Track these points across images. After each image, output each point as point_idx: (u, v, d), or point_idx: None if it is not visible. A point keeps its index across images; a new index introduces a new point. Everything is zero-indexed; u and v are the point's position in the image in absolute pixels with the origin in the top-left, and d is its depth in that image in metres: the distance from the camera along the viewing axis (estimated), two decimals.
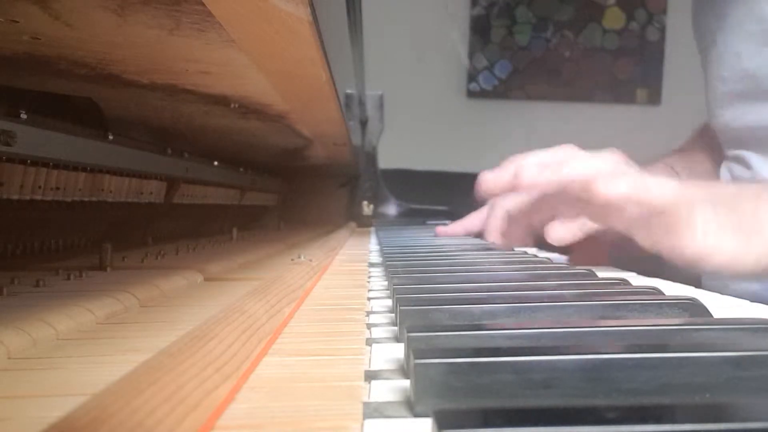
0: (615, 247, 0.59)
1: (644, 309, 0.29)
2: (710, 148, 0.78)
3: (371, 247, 0.77)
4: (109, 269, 0.49)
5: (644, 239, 0.47)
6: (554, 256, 0.65)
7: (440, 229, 0.85)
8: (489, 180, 0.54)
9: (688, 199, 0.46)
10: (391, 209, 1.54)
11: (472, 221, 0.82)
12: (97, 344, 0.27)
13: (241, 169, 1.01)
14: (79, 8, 0.31)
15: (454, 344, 0.22)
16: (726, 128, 0.72)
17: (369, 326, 0.30)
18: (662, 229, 0.46)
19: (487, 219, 0.75)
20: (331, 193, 1.49)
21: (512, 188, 0.52)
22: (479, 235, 0.80)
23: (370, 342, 0.27)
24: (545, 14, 2.43)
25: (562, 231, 0.57)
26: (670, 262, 0.47)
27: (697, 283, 0.47)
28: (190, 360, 0.19)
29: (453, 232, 0.83)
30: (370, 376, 0.21)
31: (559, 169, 0.49)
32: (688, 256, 0.45)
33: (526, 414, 0.14)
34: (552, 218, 0.59)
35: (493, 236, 0.73)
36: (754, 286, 0.60)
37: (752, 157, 0.68)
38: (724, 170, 0.72)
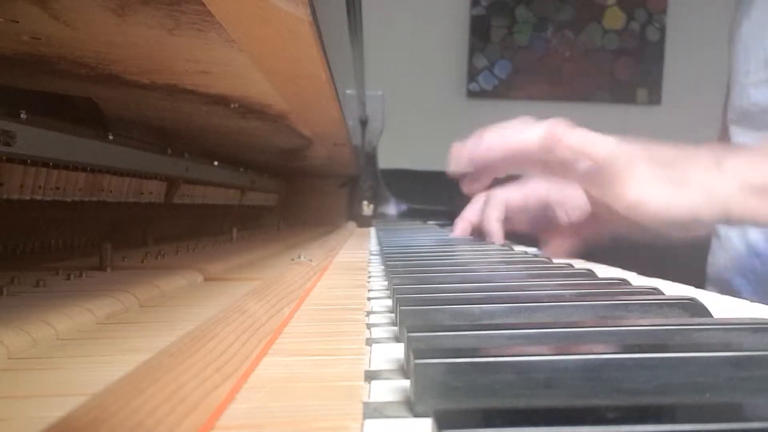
0: (587, 237, 0.65)
1: (644, 309, 0.29)
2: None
3: (371, 247, 0.77)
4: (109, 269, 0.49)
5: (592, 190, 0.54)
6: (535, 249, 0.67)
7: (456, 232, 0.86)
8: (454, 154, 0.61)
9: (628, 153, 0.52)
10: (391, 209, 1.54)
11: (471, 213, 0.83)
12: (97, 344, 0.27)
13: (241, 169, 1.01)
14: (79, 8, 0.31)
15: (454, 344, 0.22)
16: (744, 113, 0.75)
17: (369, 326, 0.30)
18: (606, 179, 0.52)
19: (485, 209, 0.76)
20: (331, 193, 1.49)
21: (477, 156, 0.59)
22: (478, 226, 0.80)
23: (370, 342, 0.27)
24: (545, 14, 2.43)
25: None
26: (614, 210, 0.53)
27: (698, 283, 0.48)
28: (190, 360, 0.19)
29: (462, 230, 0.84)
30: (370, 376, 0.21)
31: (518, 132, 0.56)
32: (626, 204, 0.51)
33: (526, 414, 0.14)
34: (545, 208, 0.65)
35: (493, 225, 0.74)
36: (758, 244, 0.64)
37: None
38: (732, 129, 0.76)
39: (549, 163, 0.54)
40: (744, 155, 0.53)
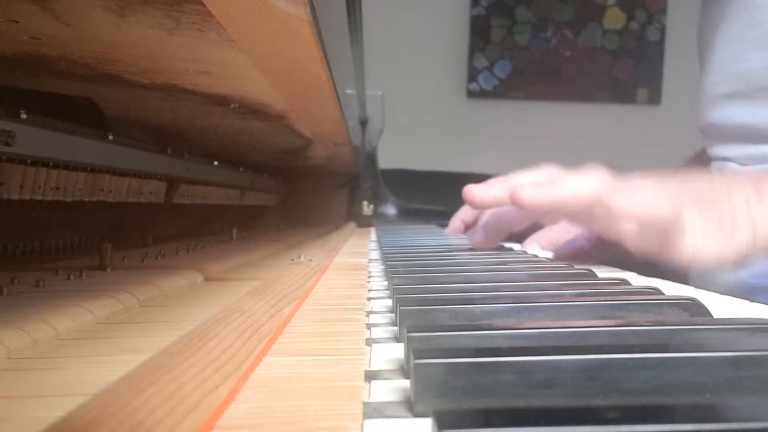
0: (601, 249, 0.61)
1: (644, 309, 0.29)
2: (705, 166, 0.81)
3: (371, 247, 0.77)
4: (109, 269, 0.49)
5: (640, 246, 0.49)
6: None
7: (450, 229, 0.86)
8: (479, 192, 0.55)
9: (677, 204, 0.48)
10: (391, 209, 1.54)
11: (464, 212, 0.83)
12: (97, 344, 0.27)
13: (241, 169, 1.01)
14: (79, 8, 0.31)
15: (454, 344, 0.22)
16: (715, 127, 0.74)
17: (369, 326, 0.30)
18: (659, 236, 0.48)
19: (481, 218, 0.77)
20: (331, 193, 1.49)
21: (508, 204, 0.53)
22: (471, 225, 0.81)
23: (370, 342, 0.27)
24: (545, 14, 2.43)
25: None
26: (661, 263, 0.50)
27: (688, 280, 0.48)
28: (190, 360, 0.19)
29: (456, 227, 0.85)
30: (370, 376, 0.21)
31: (558, 186, 0.50)
32: (683, 258, 0.48)
33: (526, 414, 0.14)
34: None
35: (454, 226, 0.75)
36: (740, 275, 0.63)
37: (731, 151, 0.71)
38: (716, 164, 0.74)
39: (592, 221, 0.51)
40: None
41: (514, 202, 0.51)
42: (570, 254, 0.61)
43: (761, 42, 0.67)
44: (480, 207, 0.57)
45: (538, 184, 0.51)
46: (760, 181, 0.50)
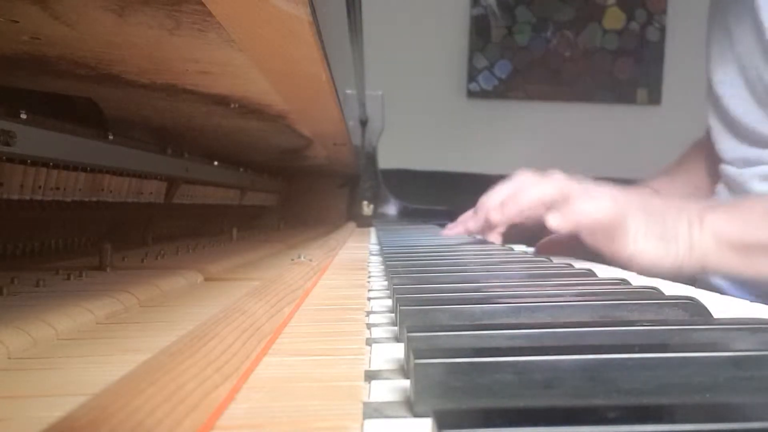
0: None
1: (644, 309, 0.29)
2: (706, 160, 0.81)
3: (371, 247, 0.77)
4: (109, 269, 0.49)
5: (592, 243, 0.59)
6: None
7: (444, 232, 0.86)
8: (470, 228, 0.69)
9: (624, 209, 0.57)
10: (391, 209, 1.54)
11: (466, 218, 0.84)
12: (97, 344, 0.27)
13: (241, 169, 1.01)
14: (79, 8, 0.31)
15: (454, 344, 0.22)
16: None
17: (369, 326, 0.30)
18: (604, 236, 0.57)
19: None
20: (331, 193, 1.49)
21: (485, 229, 0.66)
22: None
23: (370, 342, 0.27)
24: (545, 14, 2.43)
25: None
26: (606, 259, 0.58)
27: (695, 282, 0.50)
28: (190, 360, 0.19)
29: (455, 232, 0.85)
30: (370, 376, 0.21)
31: (515, 202, 0.61)
32: (622, 258, 0.56)
33: (526, 414, 0.14)
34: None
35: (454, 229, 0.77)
36: (719, 281, 0.70)
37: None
38: (720, 187, 0.76)
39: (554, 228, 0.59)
40: (723, 212, 0.58)
41: (489, 228, 0.65)
42: (550, 246, 0.69)
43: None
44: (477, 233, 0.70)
45: (503, 202, 0.62)
46: (705, 211, 0.58)
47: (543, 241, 0.71)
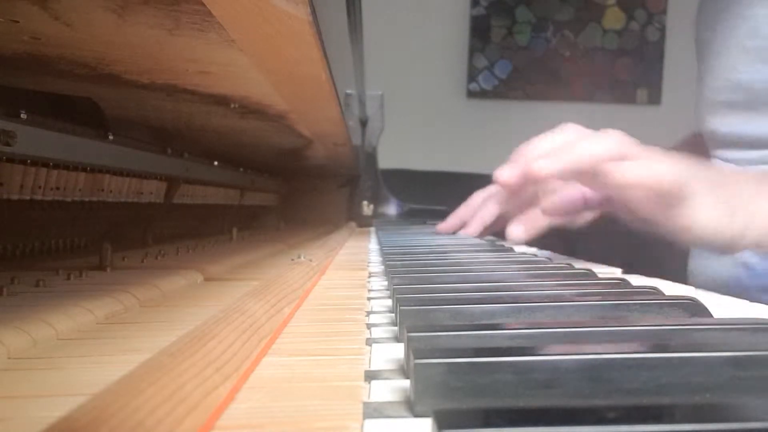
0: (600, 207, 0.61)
1: (644, 309, 0.29)
2: (698, 150, 0.81)
3: (371, 246, 0.77)
4: (109, 269, 0.49)
5: (643, 210, 0.51)
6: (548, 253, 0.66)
7: (440, 226, 0.86)
8: (503, 177, 0.55)
9: (689, 177, 0.50)
10: (391, 209, 1.54)
11: (461, 213, 0.83)
12: (97, 344, 0.27)
13: (241, 169, 1.01)
14: (79, 8, 0.31)
15: (454, 344, 0.22)
16: (714, 134, 0.75)
17: (369, 326, 0.30)
18: (666, 204, 0.50)
19: (478, 211, 0.77)
20: (331, 193, 1.49)
21: (527, 182, 0.54)
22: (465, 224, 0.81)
23: (370, 342, 0.27)
24: (545, 14, 2.43)
25: (521, 233, 0.61)
26: (657, 230, 0.52)
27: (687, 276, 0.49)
28: (190, 360, 0.19)
29: (446, 227, 0.84)
30: (370, 376, 0.21)
31: (569, 152, 0.51)
32: (680, 227, 0.50)
33: (526, 414, 0.14)
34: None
35: (474, 228, 0.74)
36: (738, 272, 0.65)
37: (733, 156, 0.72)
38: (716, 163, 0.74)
39: (601, 185, 0.52)
40: None
41: (530, 179, 0.52)
42: (565, 206, 0.60)
43: (765, 55, 0.67)
44: (511, 187, 0.58)
45: (553, 152, 0.52)
46: (763, 181, 0.53)
47: (561, 196, 0.60)
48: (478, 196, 0.82)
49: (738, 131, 0.71)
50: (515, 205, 0.65)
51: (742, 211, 0.51)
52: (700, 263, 0.77)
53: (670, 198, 0.49)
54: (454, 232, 0.84)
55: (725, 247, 0.52)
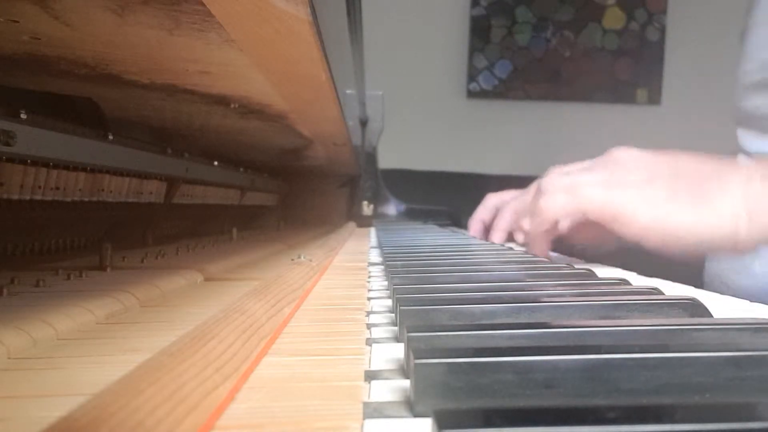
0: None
1: (644, 309, 0.29)
2: None
3: (371, 247, 0.77)
4: (109, 269, 0.49)
5: (584, 238, 0.56)
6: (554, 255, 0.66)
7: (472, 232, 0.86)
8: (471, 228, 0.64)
9: (612, 188, 0.50)
10: (391, 209, 1.54)
11: (483, 213, 0.83)
12: (97, 344, 0.27)
13: (241, 169, 1.01)
14: (79, 8, 0.31)
15: (454, 344, 0.22)
16: (745, 116, 0.75)
17: (369, 326, 0.30)
18: (607, 218, 0.50)
19: (497, 219, 0.77)
20: (331, 193, 1.49)
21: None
22: (487, 231, 0.81)
23: (370, 342, 0.27)
24: (545, 14, 2.43)
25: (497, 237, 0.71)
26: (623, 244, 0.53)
27: (697, 283, 0.48)
28: (190, 360, 0.19)
29: (476, 231, 0.84)
30: (370, 376, 0.21)
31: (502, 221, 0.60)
32: (637, 232, 0.49)
33: (526, 414, 0.14)
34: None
35: (498, 236, 0.75)
36: (757, 276, 0.65)
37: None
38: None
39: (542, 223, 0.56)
40: None
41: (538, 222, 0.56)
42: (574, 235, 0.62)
43: None
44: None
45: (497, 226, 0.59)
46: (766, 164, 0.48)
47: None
48: (492, 198, 0.83)
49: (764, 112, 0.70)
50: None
51: (728, 201, 0.46)
52: (716, 275, 0.77)
53: (603, 213, 0.50)
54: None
55: (717, 246, 0.47)
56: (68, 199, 0.51)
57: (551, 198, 0.54)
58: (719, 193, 0.47)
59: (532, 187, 0.63)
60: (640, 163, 0.51)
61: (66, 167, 0.50)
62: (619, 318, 0.28)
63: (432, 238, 0.83)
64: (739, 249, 0.48)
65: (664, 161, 0.51)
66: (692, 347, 0.19)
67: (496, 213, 0.80)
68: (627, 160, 0.52)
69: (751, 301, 0.37)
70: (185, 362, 0.18)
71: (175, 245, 0.70)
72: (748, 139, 0.75)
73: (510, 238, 0.76)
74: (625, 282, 0.38)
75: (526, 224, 0.57)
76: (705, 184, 0.48)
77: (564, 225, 0.57)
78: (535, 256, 0.59)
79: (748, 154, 0.75)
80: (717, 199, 0.47)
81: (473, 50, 2.43)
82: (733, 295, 0.39)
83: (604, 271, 0.50)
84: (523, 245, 0.69)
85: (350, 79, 1.12)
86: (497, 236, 0.76)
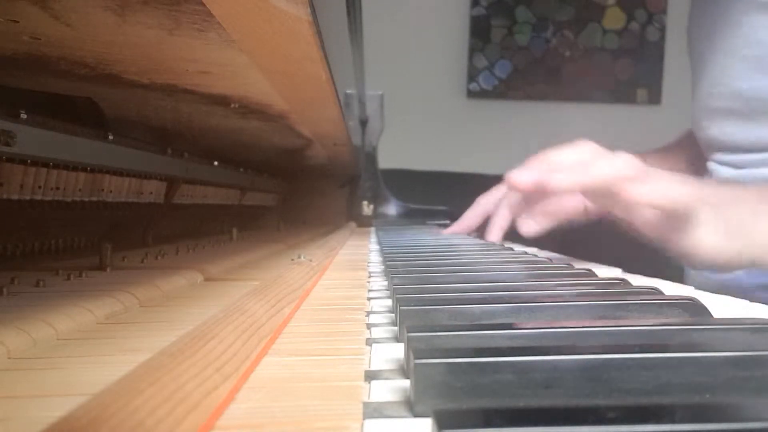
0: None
1: (644, 309, 0.29)
2: (693, 149, 0.81)
3: (371, 246, 0.77)
4: (109, 269, 0.49)
5: (650, 231, 0.54)
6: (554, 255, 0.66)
7: (448, 229, 0.86)
8: (518, 180, 0.56)
9: (697, 201, 0.52)
10: (391, 209, 1.54)
11: (470, 218, 0.83)
12: (97, 344, 0.27)
13: (241, 169, 1.01)
14: (79, 8, 0.31)
15: (454, 344, 0.22)
16: (711, 139, 0.75)
17: (369, 326, 0.30)
18: (669, 226, 0.52)
19: (492, 217, 0.77)
20: (331, 193, 1.49)
21: (541, 190, 0.55)
22: (479, 231, 0.81)
23: (370, 342, 0.27)
24: (545, 14, 2.43)
25: (533, 225, 0.64)
26: (662, 251, 0.55)
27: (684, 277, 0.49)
28: (190, 360, 0.19)
29: (454, 231, 0.85)
30: (370, 376, 0.21)
31: (585, 170, 0.52)
32: (684, 248, 0.53)
33: (526, 414, 0.14)
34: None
35: (495, 234, 0.74)
36: (738, 273, 0.66)
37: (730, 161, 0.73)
38: (712, 166, 0.75)
39: (611, 204, 0.54)
40: None
41: (546, 191, 0.53)
42: (567, 214, 0.63)
43: (764, 64, 0.67)
44: (523, 192, 0.60)
45: (569, 168, 0.53)
46: (762, 198, 0.54)
47: (560, 207, 0.64)
48: (483, 200, 0.82)
49: (737, 138, 0.71)
50: (524, 210, 0.66)
51: (739, 232, 0.52)
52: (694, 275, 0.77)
53: (678, 222, 0.51)
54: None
55: (722, 268, 0.54)
56: (68, 199, 0.51)
57: (611, 161, 0.52)
58: (737, 228, 0.52)
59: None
60: (693, 182, 0.54)
61: (66, 167, 0.50)
62: (618, 318, 0.28)
63: (432, 238, 0.83)
64: (725, 270, 0.55)
65: (706, 186, 0.55)
66: (692, 347, 0.19)
67: (485, 217, 0.80)
68: (679, 177, 0.54)
69: (725, 293, 0.39)
70: (185, 362, 0.18)
71: (175, 245, 0.70)
72: (710, 154, 0.76)
73: (506, 237, 0.76)
74: (625, 282, 0.38)
75: (558, 177, 0.52)
76: (730, 217, 0.53)
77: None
78: (535, 256, 0.59)
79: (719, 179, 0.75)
80: (736, 234, 0.52)
81: (473, 50, 2.43)
82: (721, 287, 0.43)
83: (604, 271, 0.50)
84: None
85: (350, 79, 1.12)
86: (495, 234, 0.76)
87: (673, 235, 0.52)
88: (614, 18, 2.44)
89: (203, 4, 0.30)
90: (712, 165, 0.76)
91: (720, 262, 0.53)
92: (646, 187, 0.51)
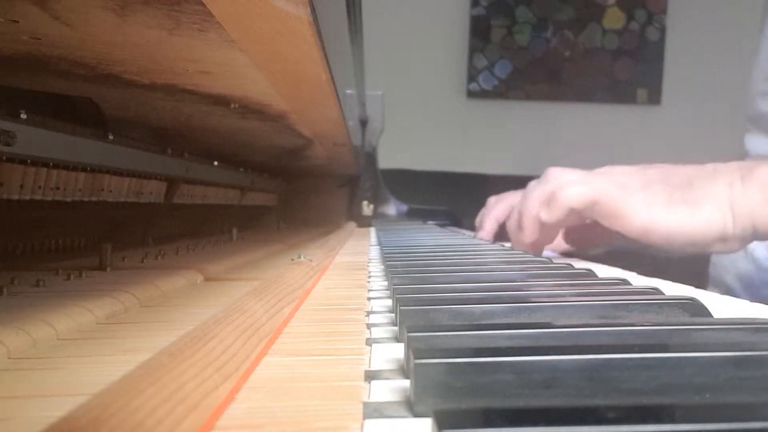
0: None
1: (644, 309, 0.29)
2: None
3: (371, 247, 0.77)
4: (109, 269, 0.49)
5: (605, 224, 0.57)
6: (553, 255, 0.66)
7: (482, 233, 0.85)
8: (482, 232, 0.70)
9: (623, 188, 0.55)
10: (391, 209, 1.54)
11: (496, 214, 0.83)
12: (97, 344, 0.27)
13: (241, 169, 1.01)
14: (79, 8, 0.31)
15: (454, 344, 0.22)
16: (755, 119, 0.78)
17: (369, 326, 0.30)
18: (607, 215, 0.56)
19: (487, 211, 0.78)
20: (331, 193, 1.49)
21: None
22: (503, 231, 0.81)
23: (370, 342, 0.27)
24: (545, 14, 2.43)
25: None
26: (628, 239, 0.57)
27: (698, 283, 0.49)
28: (190, 360, 0.19)
29: (488, 232, 0.84)
30: (370, 376, 0.21)
31: (525, 217, 0.61)
32: (635, 231, 0.55)
33: (526, 414, 0.14)
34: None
35: (489, 226, 0.77)
36: (760, 253, 0.69)
37: None
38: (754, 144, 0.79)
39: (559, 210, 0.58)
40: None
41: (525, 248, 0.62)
42: (575, 237, 0.67)
43: None
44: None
45: (517, 222, 0.62)
46: (752, 168, 0.53)
47: (567, 234, 0.69)
48: (498, 207, 0.82)
49: None
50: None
51: (713, 202, 0.52)
52: (720, 258, 0.79)
53: (607, 208, 0.55)
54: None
55: (706, 244, 0.53)
56: (68, 199, 0.51)
57: (568, 188, 0.58)
58: (706, 198, 0.52)
59: (531, 186, 0.65)
60: (632, 170, 0.58)
61: (66, 167, 0.50)
62: (618, 318, 0.28)
63: (432, 238, 0.83)
64: (728, 247, 0.54)
65: (655, 170, 0.57)
66: (692, 347, 0.19)
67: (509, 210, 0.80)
68: (619, 170, 0.58)
69: (749, 284, 0.39)
70: (185, 362, 0.18)
71: (175, 245, 0.70)
72: (755, 142, 0.78)
73: (504, 236, 0.76)
74: (625, 282, 0.38)
75: (543, 214, 0.59)
76: (694, 190, 0.53)
77: (570, 219, 0.60)
78: (535, 256, 0.59)
79: (753, 157, 0.77)
80: (705, 203, 0.52)
81: (473, 50, 2.43)
82: (736, 278, 0.43)
83: (604, 271, 0.50)
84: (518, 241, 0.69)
85: (350, 79, 1.12)
86: (487, 227, 0.77)
87: (615, 223, 0.55)
88: (614, 18, 2.44)
89: (203, 4, 0.30)
90: (752, 143, 0.78)
91: (693, 236, 0.53)
92: (570, 189, 0.56)
